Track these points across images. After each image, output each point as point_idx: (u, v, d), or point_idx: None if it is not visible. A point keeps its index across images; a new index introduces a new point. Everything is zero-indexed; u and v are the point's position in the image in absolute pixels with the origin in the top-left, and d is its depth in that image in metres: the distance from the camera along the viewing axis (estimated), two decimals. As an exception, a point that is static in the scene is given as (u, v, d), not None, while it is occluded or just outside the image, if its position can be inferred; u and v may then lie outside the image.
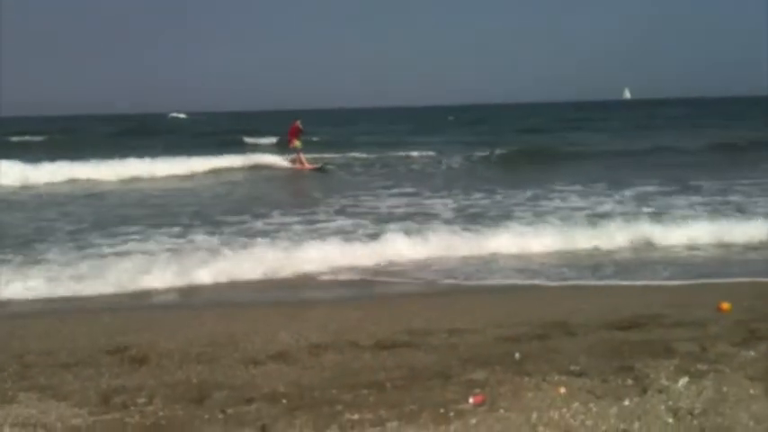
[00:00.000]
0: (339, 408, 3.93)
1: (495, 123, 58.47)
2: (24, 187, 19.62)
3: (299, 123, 24.08)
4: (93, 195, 17.73)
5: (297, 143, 24.08)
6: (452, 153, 28.12)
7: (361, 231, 11.10)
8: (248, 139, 38.59)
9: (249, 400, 4.09)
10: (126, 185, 20.24)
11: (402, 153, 28.09)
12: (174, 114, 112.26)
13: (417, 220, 12.39)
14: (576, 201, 14.48)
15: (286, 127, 25.61)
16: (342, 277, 8.81)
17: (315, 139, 24.04)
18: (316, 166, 24.10)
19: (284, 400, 4.08)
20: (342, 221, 12.42)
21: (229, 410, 3.95)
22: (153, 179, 21.53)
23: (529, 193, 15.56)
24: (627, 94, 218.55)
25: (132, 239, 10.84)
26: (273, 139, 37.90)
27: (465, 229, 10.96)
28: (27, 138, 44.59)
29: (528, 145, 31.54)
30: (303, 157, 24.18)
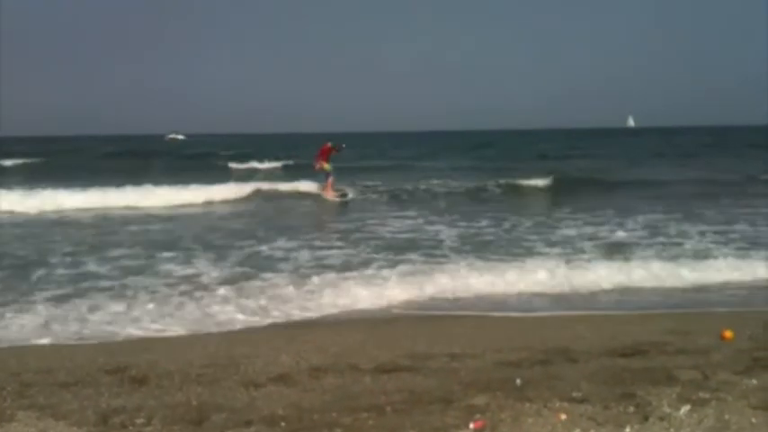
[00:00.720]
0: (338, 431, 3.91)
1: (506, 149, 58.29)
2: (17, 213, 18.80)
3: (330, 144, 22.59)
4: (87, 224, 16.78)
5: (326, 166, 22.49)
6: (467, 180, 26.97)
7: (376, 264, 10.80)
8: (254, 164, 38.43)
9: (248, 423, 4.07)
10: (124, 213, 19.56)
11: (415, 179, 27.15)
12: (173, 135, 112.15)
13: (424, 247, 12.38)
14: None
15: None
16: (353, 308, 8.65)
17: (326, 165, 22.91)
18: (339, 193, 22.64)
19: (283, 423, 4.06)
20: (350, 250, 12.29)
21: (228, 432, 3.93)
22: (150, 207, 20.35)
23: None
24: (631, 122, 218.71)
25: (131, 269, 10.54)
26: (278, 164, 38.03)
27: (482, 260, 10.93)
28: (20, 160, 44.28)
29: (556, 172, 29.26)
30: (332, 181, 22.62)
